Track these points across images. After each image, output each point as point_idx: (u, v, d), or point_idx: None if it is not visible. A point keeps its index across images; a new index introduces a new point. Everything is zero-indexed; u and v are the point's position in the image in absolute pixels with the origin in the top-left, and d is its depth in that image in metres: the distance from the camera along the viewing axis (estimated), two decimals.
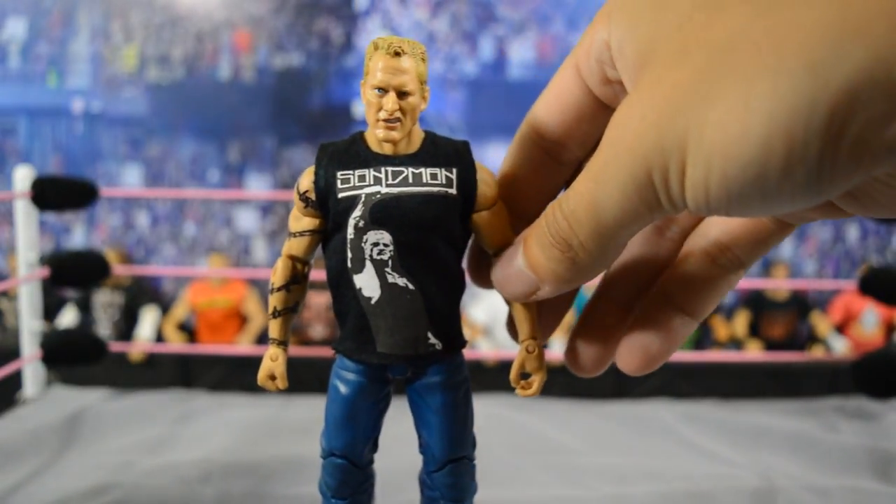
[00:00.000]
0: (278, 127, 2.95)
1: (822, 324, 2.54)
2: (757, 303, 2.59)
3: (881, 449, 0.87)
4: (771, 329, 2.57)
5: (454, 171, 0.39)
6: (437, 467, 0.43)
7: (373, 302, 0.39)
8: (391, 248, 0.38)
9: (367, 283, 0.39)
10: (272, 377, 0.41)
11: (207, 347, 1.43)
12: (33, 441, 0.87)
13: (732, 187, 0.24)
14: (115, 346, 1.10)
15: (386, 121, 0.37)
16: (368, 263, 0.38)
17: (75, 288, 2.10)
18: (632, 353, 0.37)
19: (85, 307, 2.43)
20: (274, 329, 0.41)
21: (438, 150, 0.39)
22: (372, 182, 0.38)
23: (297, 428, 0.94)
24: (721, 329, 2.56)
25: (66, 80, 2.92)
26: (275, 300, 0.41)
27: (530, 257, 0.33)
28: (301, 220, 0.40)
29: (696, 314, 0.36)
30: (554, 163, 0.37)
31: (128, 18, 2.91)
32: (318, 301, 2.55)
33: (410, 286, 0.39)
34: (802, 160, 0.23)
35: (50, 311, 1.80)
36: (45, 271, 1.00)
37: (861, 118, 0.21)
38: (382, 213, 0.38)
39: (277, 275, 0.41)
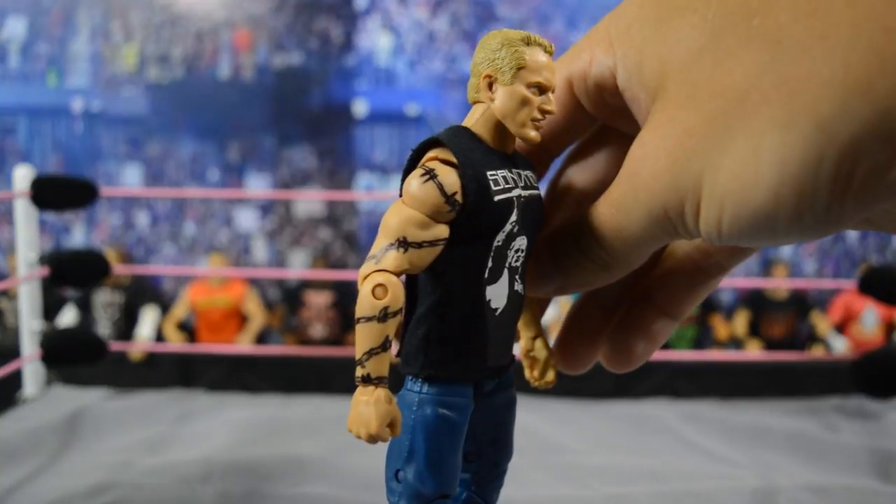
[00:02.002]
0: (278, 126, 2.95)
1: (821, 323, 2.54)
2: (757, 302, 2.59)
3: (881, 449, 0.87)
4: (771, 329, 2.57)
5: (534, 174, 0.38)
6: (495, 476, 0.42)
7: (497, 313, 0.36)
8: (524, 253, 0.36)
9: (498, 294, 0.35)
10: (391, 424, 0.33)
11: (207, 347, 1.43)
12: (33, 441, 0.87)
13: (744, 227, 0.26)
14: (115, 346, 1.10)
15: (538, 120, 0.35)
16: (505, 272, 0.35)
17: (75, 287, 2.10)
18: (617, 353, 0.39)
19: (85, 307, 2.43)
20: (383, 365, 0.33)
21: (518, 153, 0.38)
22: (513, 184, 0.35)
23: (297, 428, 0.94)
24: (721, 329, 2.56)
25: (65, 79, 2.92)
26: (389, 328, 0.33)
27: (559, 260, 0.36)
28: (431, 228, 0.33)
29: (676, 315, 0.38)
30: (534, 162, 0.39)
31: (128, 18, 2.91)
32: (318, 301, 2.55)
33: (522, 292, 0.37)
34: (811, 208, 0.24)
35: (50, 310, 1.80)
36: (44, 271, 1.00)
37: (865, 166, 0.23)
38: (527, 216, 0.35)
39: (393, 296, 0.32)
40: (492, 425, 0.40)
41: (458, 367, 0.36)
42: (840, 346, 2.44)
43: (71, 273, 1.03)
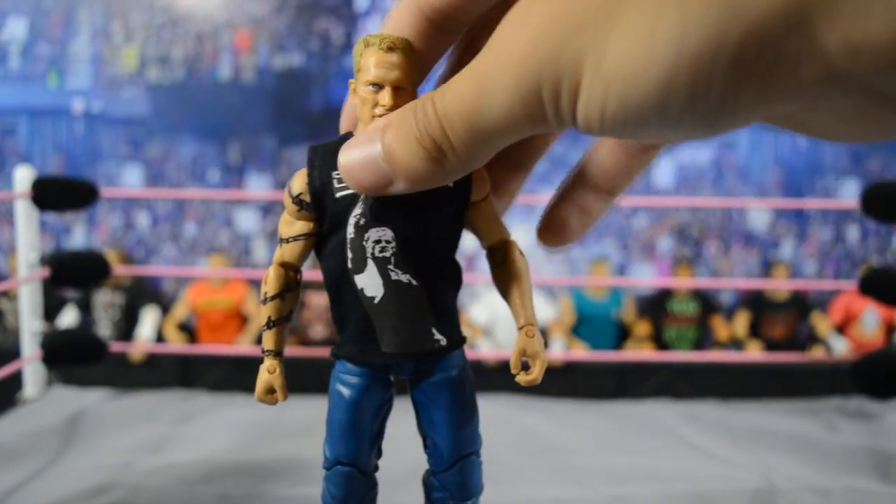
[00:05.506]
0: (278, 127, 2.95)
1: (822, 324, 2.54)
2: (757, 303, 2.59)
3: (881, 449, 0.87)
4: (771, 329, 2.57)
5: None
6: (446, 466, 0.42)
7: (376, 301, 0.38)
8: (393, 244, 0.38)
9: (370, 283, 0.38)
10: (271, 391, 0.40)
11: (207, 347, 1.43)
12: (33, 441, 0.87)
13: (630, 112, 0.23)
14: (116, 347, 1.10)
15: (382, 116, 0.36)
16: (370, 262, 0.38)
17: (76, 288, 2.10)
18: (552, 226, 0.39)
19: (85, 307, 2.43)
20: (269, 340, 0.40)
21: None
22: None
23: (297, 428, 0.94)
24: (721, 329, 2.56)
25: (66, 80, 2.92)
26: (269, 310, 0.40)
27: (390, 149, 0.30)
28: (294, 225, 0.39)
29: (612, 191, 0.38)
30: (438, 32, 0.36)
31: (128, 19, 2.91)
32: (318, 301, 2.55)
33: (414, 282, 0.38)
34: (705, 94, 0.22)
35: (50, 311, 1.80)
36: (45, 271, 1.00)
37: (770, 56, 0.21)
38: (383, 209, 0.37)
39: (270, 283, 0.39)
40: (430, 414, 0.42)
41: (352, 350, 0.40)
42: (840, 347, 2.44)
43: (71, 274, 1.03)
